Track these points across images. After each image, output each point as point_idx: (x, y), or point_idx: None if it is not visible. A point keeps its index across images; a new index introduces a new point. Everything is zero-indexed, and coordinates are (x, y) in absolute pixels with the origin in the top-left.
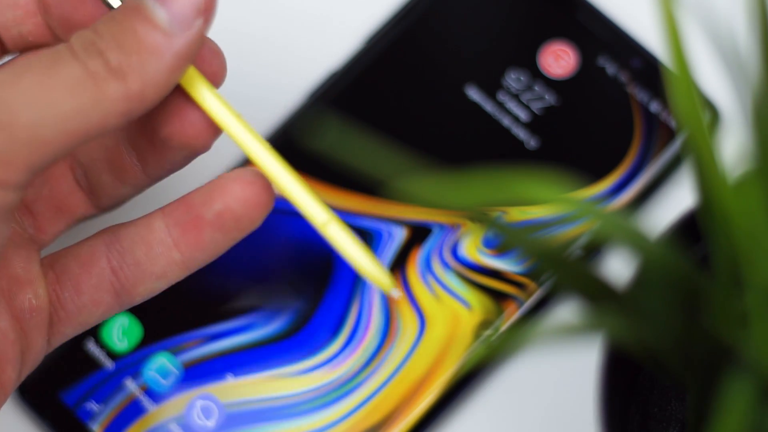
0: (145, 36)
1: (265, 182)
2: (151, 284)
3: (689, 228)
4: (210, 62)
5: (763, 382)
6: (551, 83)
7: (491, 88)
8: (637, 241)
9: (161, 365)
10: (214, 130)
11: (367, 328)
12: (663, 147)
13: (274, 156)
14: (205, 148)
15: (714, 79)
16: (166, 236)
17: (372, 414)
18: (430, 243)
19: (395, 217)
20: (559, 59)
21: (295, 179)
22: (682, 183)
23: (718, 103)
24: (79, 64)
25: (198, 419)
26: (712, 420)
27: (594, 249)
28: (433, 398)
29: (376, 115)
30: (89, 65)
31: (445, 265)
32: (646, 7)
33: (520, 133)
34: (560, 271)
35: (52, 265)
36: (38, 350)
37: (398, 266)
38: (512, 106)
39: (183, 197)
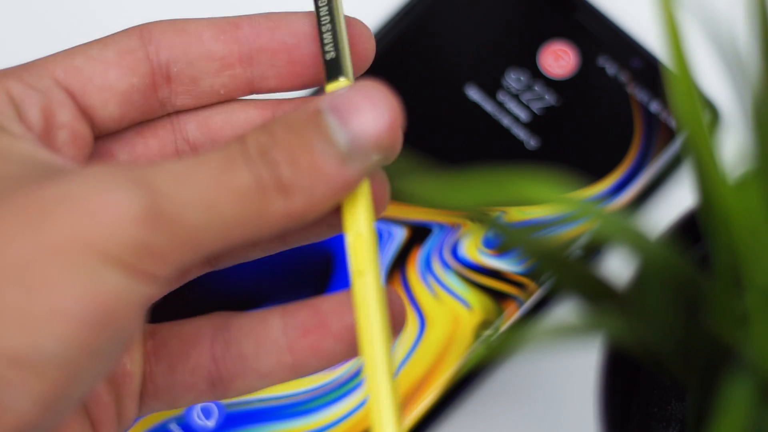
0: (322, 158)
1: (401, 302)
2: (251, 381)
3: (689, 228)
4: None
5: (763, 382)
6: (551, 83)
7: (491, 88)
8: (637, 241)
9: None
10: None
11: None
12: (663, 147)
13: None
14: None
15: (714, 79)
16: (281, 336)
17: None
18: (430, 243)
19: (395, 217)
20: (559, 59)
21: (387, 381)
22: (682, 183)
23: (718, 103)
24: (251, 174)
25: (198, 419)
26: (712, 420)
27: (594, 249)
28: (433, 398)
29: None
30: (262, 176)
31: (445, 265)
32: (646, 7)
33: (520, 133)
34: (560, 271)
35: (152, 334)
36: (130, 418)
37: (398, 266)
38: (512, 106)
39: (309, 300)
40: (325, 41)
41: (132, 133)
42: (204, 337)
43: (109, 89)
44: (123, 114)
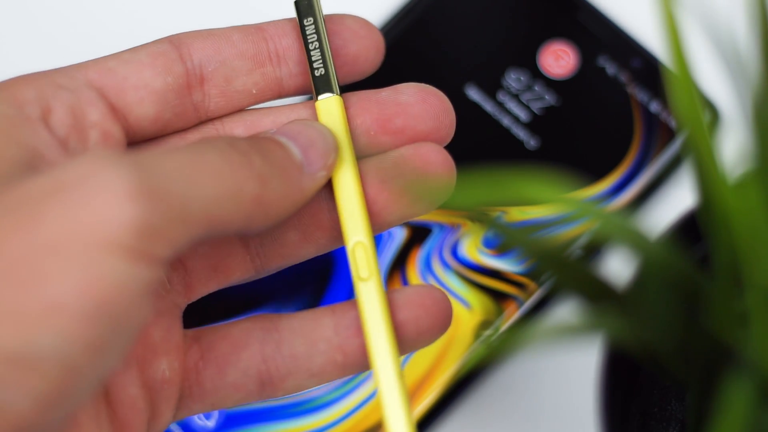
0: (283, 159)
1: (447, 301)
2: (301, 380)
3: (689, 228)
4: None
5: (763, 382)
6: (551, 83)
7: (491, 88)
8: (637, 241)
9: None
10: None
11: None
12: (663, 147)
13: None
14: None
15: (714, 79)
16: (333, 335)
17: (372, 414)
18: (430, 243)
19: None
20: (559, 59)
21: (396, 378)
22: (682, 183)
23: (718, 103)
24: (223, 156)
25: (198, 419)
26: (712, 420)
27: (594, 249)
28: (433, 398)
29: None
30: (234, 159)
31: (445, 265)
32: (646, 7)
33: (520, 133)
34: (560, 271)
35: (197, 339)
36: (164, 422)
37: (398, 266)
38: (512, 106)
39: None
40: (314, 58)
41: (177, 141)
42: (254, 339)
43: (145, 87)
44: (158, 114)
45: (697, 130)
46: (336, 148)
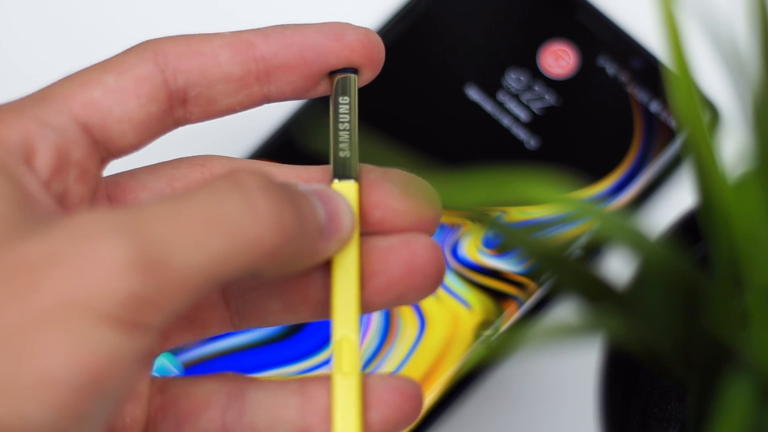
0: (311, 217)
1: (419, 397)
2: None
3: (689, 228)
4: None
5: (763, 382)
6: (551, 83)
7: (491, 88)
8: (637, 241)
9: (161, 365)
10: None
11: (367, 328)
12: (663, 147)
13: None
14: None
15: (714, 79)
16: (298, 418)
17: None
18: None
19: None
20: (559, 59)
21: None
22: (682, 183)
23: (718, 103)
24: (249, 204)
25: None
26: (712, 420)
27: (594, 249)
28: (433, 398)
29: (376, 115)
30: (261, 208)
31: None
32: (646, 7)
33: (520, 133)
34: (560, 271)
35: (161, 389)
36: None
37: None
38: (512, 106)
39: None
40: (341, 139)
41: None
42: (217, 402)
43: (129, 120)
44: (139, 141)
45: (697, 130)
46: (353, 229)
